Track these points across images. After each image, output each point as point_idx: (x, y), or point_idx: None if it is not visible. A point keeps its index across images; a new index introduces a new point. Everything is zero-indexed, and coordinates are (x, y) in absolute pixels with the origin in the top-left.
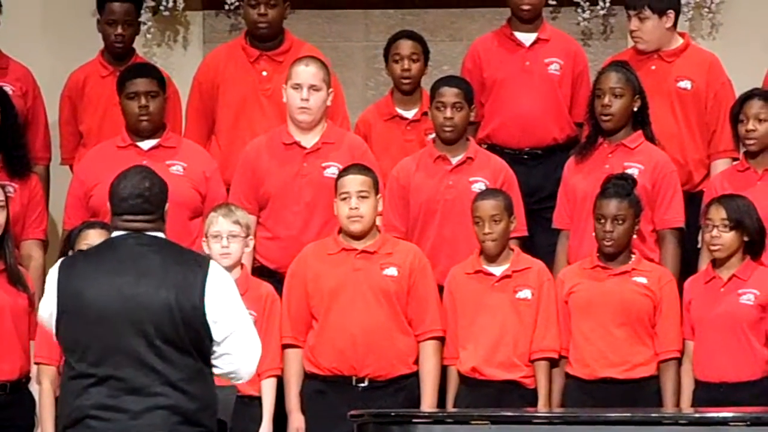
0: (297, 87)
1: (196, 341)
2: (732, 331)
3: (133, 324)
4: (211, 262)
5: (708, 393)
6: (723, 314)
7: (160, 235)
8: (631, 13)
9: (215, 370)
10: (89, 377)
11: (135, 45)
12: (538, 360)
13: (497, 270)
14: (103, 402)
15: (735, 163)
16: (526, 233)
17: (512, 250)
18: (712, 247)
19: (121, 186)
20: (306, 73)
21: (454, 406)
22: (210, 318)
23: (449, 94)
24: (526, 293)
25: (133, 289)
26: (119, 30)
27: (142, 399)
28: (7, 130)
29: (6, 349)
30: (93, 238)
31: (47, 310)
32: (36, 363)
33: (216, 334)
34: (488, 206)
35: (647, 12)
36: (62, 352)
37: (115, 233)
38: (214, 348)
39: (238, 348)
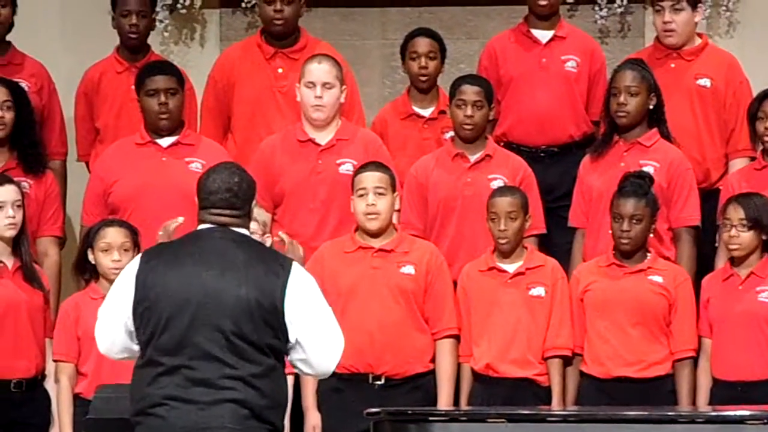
0: (310, 85)
1: (272, 340)
2: (750, 329)
3: (212, 317)
4: (294, 263)
5: (726, 391)
6: (741, 312)
7: (246, 231)
8: (665, 5)
9: (295, 368)
10: (161, 365)
11: (152, 43)
12: (552, 358)
13: (511, 267)
14: (173, 392)
15: (753, 161)
16: (544, 230)
17: (526, 247)
18: (731, 246)
19: (210, 180)
20: (319, 70)
21: (468, 404)
22: (288, 319)
23: (470, 92)
24: (539, 290)
25: (216, 283)
26: (134, 20)
27: (211, 391)
28: (23, 127)
29: (22, 347)
30: (112, 235)
31: (122, 299)
32: (55, 360)
33: (292, 335)
34: (505, 203)
35: (683, 3)
36: (137, 339)
37: (202, 226)
38: (290, 348)
39: (314, 349)
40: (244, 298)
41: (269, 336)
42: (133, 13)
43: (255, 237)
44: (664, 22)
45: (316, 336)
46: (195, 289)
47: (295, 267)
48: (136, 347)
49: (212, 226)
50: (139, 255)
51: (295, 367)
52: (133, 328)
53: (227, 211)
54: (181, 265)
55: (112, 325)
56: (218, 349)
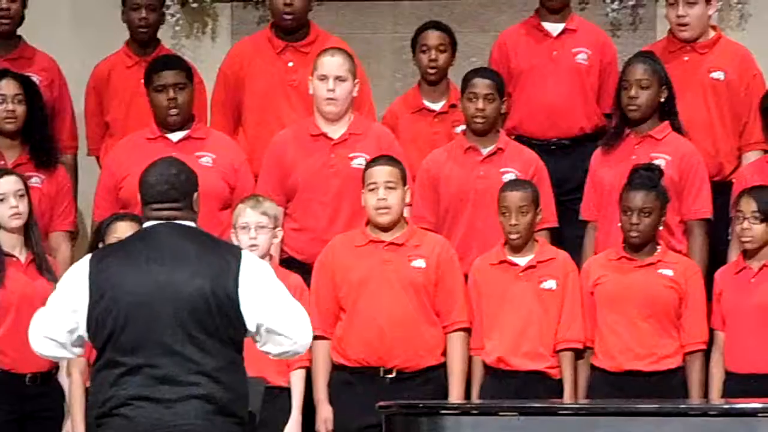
0: (323, 78)
1: (230, 330)
2: (763, 322)
3: (169, 312)
4: (244, 251)
5: (739, 384)
6: (754, 305)
7: (191, 224)
8: None
9: (269, 354)
10: (122, 366)
11: (163, 37)
12: (563, 351)
13: (522, 260)
14: (138, 392)
15: (765, 154)
16: (556, 224)
17: (536, 240)
18: (743, 239)
19: (149, 174)
20: (332, 64)
21: (480, 397)
22: (244, 307)
23: (481, 85)
24: (550, 284)
25: (168, 276)
26: (143, 14)
27: (176, 388)
28: (34, 122)
29: None
30: (123, 230)
31: (73, 301)
32: None
33: (252, 323)
34: (516, 197)
35: None
36: (91, 342)
37: (147, 223)
38: (257, 336)
39: (280, 331)
40: (200, 289)
41: (228, 326)
42: (142, 6)
43: (266, 231)
44: (678, 16)
45: (282, 316)
46: (150, 286)
47: (246, 255)
48: (73, 350)
49: (156, 222)
50: (87, 256)
51: (266, 352)
52: (82, 331)
53: (167, 204)
54: (134, 264)
55: (54, 325)
56: (179, 344)
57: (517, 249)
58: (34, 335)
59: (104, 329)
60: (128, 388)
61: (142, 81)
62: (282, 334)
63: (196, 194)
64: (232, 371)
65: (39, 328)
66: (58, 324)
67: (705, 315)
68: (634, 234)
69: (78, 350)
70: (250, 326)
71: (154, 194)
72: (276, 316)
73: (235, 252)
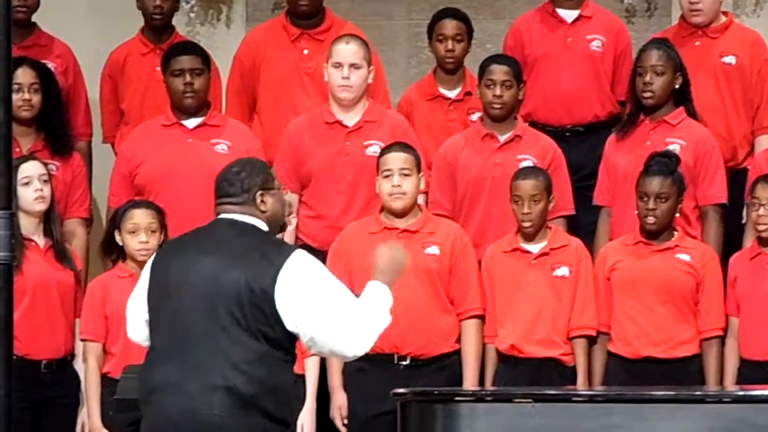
0: (338, 65)
1: (265, 325)
2: None
3: (203, 303)
4: (296, 252)
5: (753, 371)
6: None
7: (252, 221)
8: None
9: (318, 354)
10: (158, 352)
11: (178, 24)
12: (577, 337)
13: (534, 248)
14: (167, 378)
15: None
16: (573, 212)
17: (549, 228)
18: (759, 226)
19: (219, 173)
20: (347, 51)
21: (493, 384)
22: (280, 306)
23: (499, 71)
24: (563, 271)
25: (210, 268)
26: (158, 2)
27: (203, 378)
28: (50, 109)
29: (52, 327)
30: (139, 217)
31: (142, 286)
32: (82, 340)
33: (290, 323)
34: (528, 186)
35: None
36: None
37: (217, 217)
38: (301, 336)
39: (321, 337)
40: (236, 281)
41: (261, 323)
42: None
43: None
44: (691, 2)
45: (319, 324)
46: (191, 275)
47: (296, 255)
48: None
49: (222, 216)
50: (159, 248)
51: (314, 353)
52: (147, 316)
53: (224, 199)
54: (184, 254)
55: (133, 312)
56: (210, 335)
57: (529, 237)
58: (129, 325)
59: (151, 316)
60: (161, 373)
61: (158, 68)
62: (321, 338)
63: (260, 193)
64: (262, 364)
65: (127, 315)
66: (136, 309)
67: (722, 301)
68: (650, 220)
69: None
70: (289, 326)
71: (216, 190)
72: (314, 321)
73: (285, 251)
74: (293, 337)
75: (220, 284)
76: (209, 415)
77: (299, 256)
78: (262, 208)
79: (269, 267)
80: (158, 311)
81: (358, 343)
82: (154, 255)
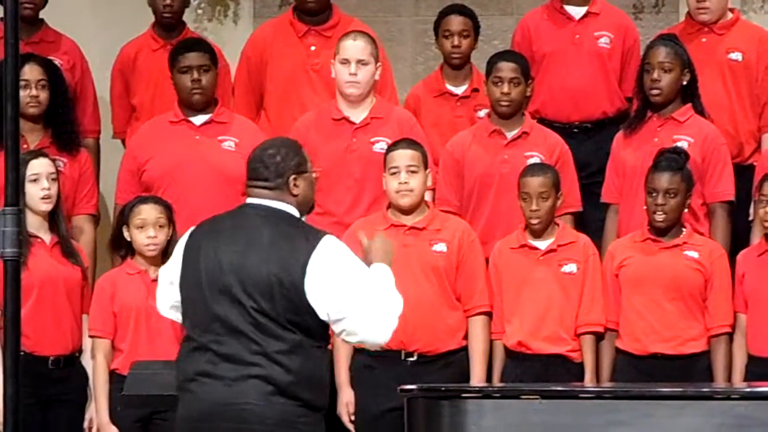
0: (345, 62)
1: (296, 316)
2: None
3: (235, 294)
4: (324, 237)
5: (761, 367)
6: None
7: (283, 206)
8: None
9: (348, 342)
10: (193, 341)
11: (186, 20)
12: (584, 334)
13: (542, 244)
14: (203, 367)
15: None
16: (580, 208)
17: (557, 224)
18: (767, 223)
19: (252, 153)
20: (354, 47)
21: (501, 381)
22: (311, 296)
23: (506, 68)
24: (571, 267)
25: (239, 259)
26: (168, 1)
27: (237, 367)
28: (57, 106)
29: (60, 323)
30: (147, 212)
31: (171, 271)
32: (91, 336)
33: (322, 312)
34: (536, 183)
35: None
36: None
37: (246, 200)
38: (333, 325)
39: (353, 324)
40: (265, 275)
41: (292, 313)
42: None
43: None
44: (698, 0)
45: (351, 310)
46: (220, 265)
47: (324, 243)
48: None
49: (252, 200)
50: (192, 228)
51: (344, 341)
52: (178, 297)
53: (257, 182)
54: (214, 242)
55: (161, 292)
56: (243, 325)
57: (537, 234)
58: (158, 302)
59: (184, 303)
60: (195, 363)
61: None
62: (351, 325)
63: (293, 177)
64: (296, 354)
65: (158, 296)
66: (166, 292)
67: (730, 298)
68: (659, 216)
69: None
70: (321, 315)
71: (248, 171)
72: (345, 307)
73: (314, 239)
74: (326, 324)
75: (249, 278)
76: (244, 403)
77: (326, 245)
78: (294, 191)
79: (298, 259)
80: (191, 300)
81: (387, 329)
82: (186, 236)
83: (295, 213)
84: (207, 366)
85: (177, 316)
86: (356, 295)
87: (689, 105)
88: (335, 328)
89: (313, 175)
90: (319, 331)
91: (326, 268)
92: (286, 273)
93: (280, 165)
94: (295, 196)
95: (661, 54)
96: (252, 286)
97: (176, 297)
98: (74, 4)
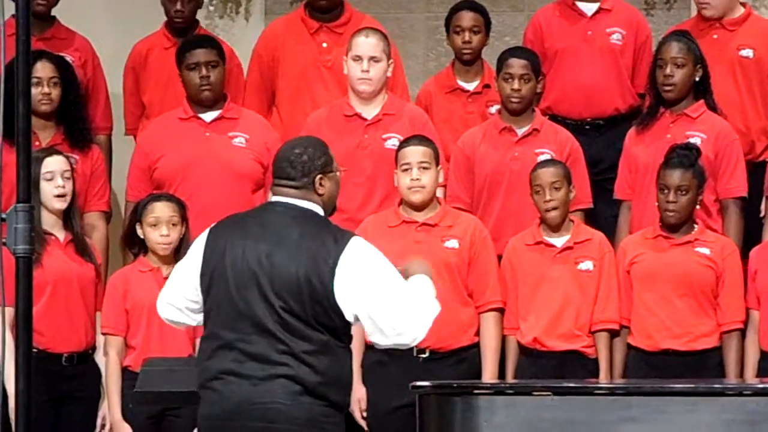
0: (357, 59)
1: (324, 317)
2: None
3: (264, 293)
4: (353, 239)
5: None
6: None
7: (310, 206)
8: None
9: (377, 344)
10: (219, 339)
11: (197, 17)
12: (599, 331)
13: (558, 241)
14: (228, 366)
15: None
16: (591, 205)
17: (572, 221)
18: None
19: (279, 150)
20: (366, 44)
21: (515, 377)
22: (340, 298)
23: (517, 65)
24: (587, 264)
25: (268, 258)
26: (178, 6)
27: (265, 366)
28: (69, 103)
29: (73, 320)
30: (160, 210)
31: (189, 270)
32: (103, 333)
33: (350, 313)
34: (548, 173)
35: None
36: (203, 312)
37: (271, 198)
38: (363, 324)
39: (383, 324)
40: (294, 275)
41: (320, 314)
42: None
43: None
44: None
45: (380, 311)
46: (249, 263)
47: (352, 244)
48: (194, 317)
49: (278, 199)
50: (211, 227)
51: (374, 342)
52: (197, 299)
53: (283, 181)
54: (241, 240)
55: (173, 291)
56: (271, 324)
57: (554, 228)
58: (159, 299)
59: (208, 301)
60: (221, 361)
61: None
62: (382, 327)
63: (320, 176)
64: (324, 354)
65: (163, 293)
66: (176, 291)
67: (742, 294)
68: (670, 212)
69: (199, 317)
70: (348, 316)
71: (275, 169)
72: (374, 309)
73: (342, 239)
74: (350, 325)
75: (278, 277)
76: (271, 403)
77: (355, 245)
78: (320, 191)
79: (327, 259)
80: (215, 298)
81: (418, 330)
82: (205, 234)
83: (321, 212)
84: (233, 365)
85: (179, 317)
86: (386, 296)
87: (702, 101)
88: (366, 328)
89: (338, 174)
90: (344, 331)
91: (355, 269)
92: (315, 273)
93: (307, 164)
94: (320, 195)
95: (674, 49)
96: (281, 285)
97: (192, 297)
98: (86, 2)
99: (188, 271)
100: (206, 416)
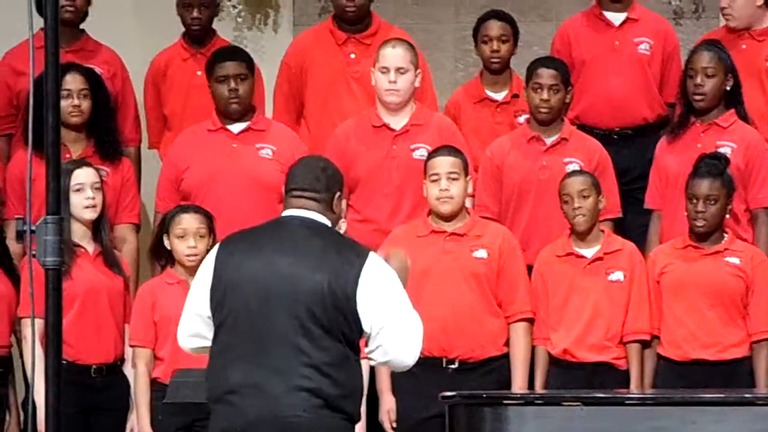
0: (385, 70)
1: (345, 328)
2: None
3: (286, 304)
4: (371, 254)
5: None
6: None
7: (325, 221)
8: None
9: (374, 361)
10: (235, 351)
11: (226, 28)
12: (631, 342)
13: (588, 252)
14: (246, 379)
15: None
16: (620, 214)
17: (602, 231)
18: None
19: (296, 165)
20: (393, 55)
21: (545, 388)
22: (361, 308)
23: (546, 75)
24: (618, 275)
25: (290, 269)
26: (195, 14)
27: (285, 379)
28: (99, 115)
29: (102, 332)
30: (187, 221)
31: (201, 287)
32: (132, 346)
33: (366, 326)
34: (576, 182)
35: None
36: (214, 324)
37: (285, 212)
38: (369, 340)
39: (390, 341)
40: (318, 284)
41: (342, 324)
42: (194, 5)
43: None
44: (722, 7)
45: (390, 327)
46: (271, 276)
47: (372, 258)
48: (209, 338)
49: (294, 212)
50: (220, 242)
51: (370, 358)
52: (209, 314)
53: (306, 193)
54: (258, 252)
55: (190, 313)
56: (293, 336)
57: (583, 237)
58: (179, 334)
59: (221, 313)
60: (239, 374)
61: (199, 73)
62: (389, 342)
63: (338, 194)
64: (343, 367)
65: (180, 327)
66: (191, 315)
67: None
68: (699, 222)
69: None
70: (366, 327)
71: (298, 180)
72: (388, 324)
73: (363, 253)
74: (361, 337)
75: (301, 286)
76: (293, 416)
77: (375, 261)
78: (336, 209)
79: (350, 269)
80: (230, 310)
81: (417, 353)
82: (215, 250)
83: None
84: (251, 377)
85: (201, 343)
86: (397, 314)
87: (732, 110)
88: (373, 343)
89: (344, 203)
90: (357, 343)
91: (376, 283)
92: (339, 283)
93: (331, 180)
94: (334, 213)
95: (705, 59)
96: (303, 295)
97: (206, 313)
98: (114, 14)
99: (199, 289)
100: (223, 430)
